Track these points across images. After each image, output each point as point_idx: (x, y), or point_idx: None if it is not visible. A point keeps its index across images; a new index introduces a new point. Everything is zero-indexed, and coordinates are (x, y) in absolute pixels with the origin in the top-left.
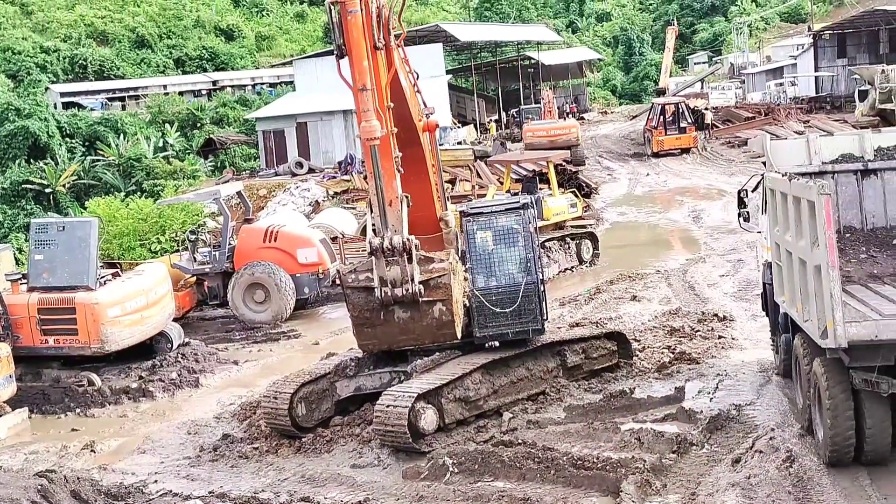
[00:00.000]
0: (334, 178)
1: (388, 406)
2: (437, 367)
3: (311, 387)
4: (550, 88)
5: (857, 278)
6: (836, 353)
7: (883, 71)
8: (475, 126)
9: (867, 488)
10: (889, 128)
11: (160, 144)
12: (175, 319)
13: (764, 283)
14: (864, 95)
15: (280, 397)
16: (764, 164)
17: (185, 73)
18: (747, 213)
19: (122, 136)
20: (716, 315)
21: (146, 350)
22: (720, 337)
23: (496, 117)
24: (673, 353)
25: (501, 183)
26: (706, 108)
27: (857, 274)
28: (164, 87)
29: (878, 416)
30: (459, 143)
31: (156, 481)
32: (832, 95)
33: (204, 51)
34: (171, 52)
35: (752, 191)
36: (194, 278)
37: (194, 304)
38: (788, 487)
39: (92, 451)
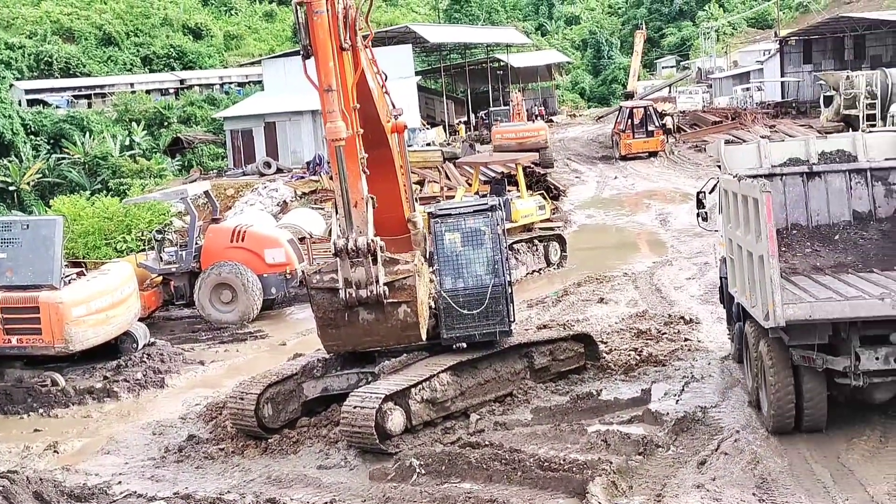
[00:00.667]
0: (302, 178)
1: (355, 407)
2: (405, 369)
3: (277, 387)
4: (519, 91)
5: (801, 270)
6: (778, 333)
7: (848, 77)
8: (444, 127)
9: (830, 490)
10: (833, 135)
11: (127, 143)
12: (141, 319)
13: (721, 277)
14: (829, 101)
15: (246, 398)
16: (719, 167)
17: (152, 71)
18: (706, 212)
19: (87, 134)
20: (682, 318)
21: (111, 350)
22: (686, 339)
23: (465, 119)
24: (639, 355)
25: (470, 184)
26: (666, 113)
27: (801, 266)
28: (131, 85)
29: (814, 389)
30: (428, 144)
31: (120, 482)
32: (798, 101)
33: (171, 49)
34: (138, 50)
35: (710, 192)
36: (160, 278)
37: (160, 303)
38: (753, 489)
39: (55, 451)
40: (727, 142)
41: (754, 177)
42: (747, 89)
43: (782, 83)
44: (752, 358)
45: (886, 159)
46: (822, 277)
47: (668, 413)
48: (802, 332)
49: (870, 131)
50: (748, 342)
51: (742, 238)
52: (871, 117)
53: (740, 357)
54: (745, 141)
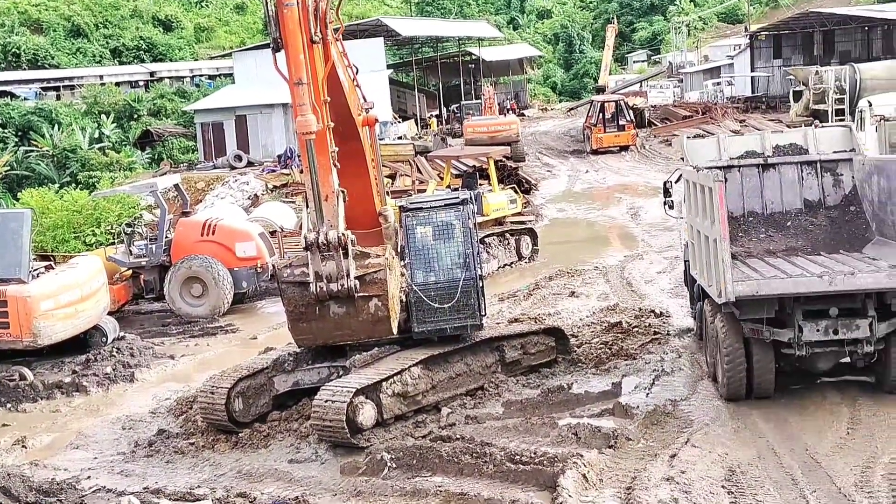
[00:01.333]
0: (274, 171)
1: (326, 401)
2: (376, 362)
3: (248, 381)
4: (491, 84)
5: (755, 253)
6: (730, 308)
7: (817, 72)
8: (416, 121)
9: (799, 482)
10: (787, 129)
11: (96, 136)
12: (110, 313)
13: (685, 261)
14: (798, 96)
15: (217, 392)
16: (682, 160)
17: (122, 63)
18: (672, 201)
19: (56, 126)
20: (653, 311)
21: (80, 344)
22: (657, 333)
23: (437, 112)
24: (610, 348)
25: (441, 178)
26: (636, 108)
27: (756, 250)
28: (101, 77)
29: (763, 359)
30: (400, 138)
31: (89, 477)
32: (768, 95)
33: (141, 41)
34: (107, 42)
35: (676, 182)
36: (130, 271)
37: (130, 297)
38: (722, 482)
39: (23, 446)
40: (690, 136)
41: (714, 168)
42: (718, 84)
43: (752, 78)
44: (710, 333)
45: (835, 152)
46: (774, 260)
47: (638, 406)
48: (751, 307)
49: (823, 126)
50: (706, 319)
51: (700, 224)
52: (839, 112)
53: (701, 335)
54: (712, 135)
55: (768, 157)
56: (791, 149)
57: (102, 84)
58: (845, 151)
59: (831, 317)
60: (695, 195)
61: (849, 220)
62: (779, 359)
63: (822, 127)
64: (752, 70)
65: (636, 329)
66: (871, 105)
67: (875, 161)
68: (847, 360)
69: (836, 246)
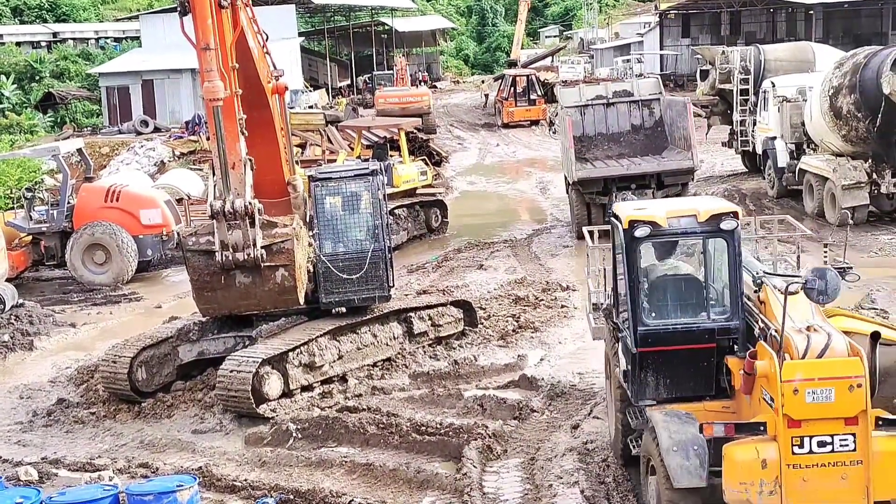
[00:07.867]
0: (181, 138)
1: (231, 371)
2: (283, 333)
3: (152, 351)
4: (404, 55)
5: (600, 157)
6: (577, 186)
7: (723, 52)
8: (327, 90)
9: None
10: (613, 80)
11: None
12: (8, 280)
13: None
14: (705, 75)
15: (119, 361)
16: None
17: (22, 22)
18: (555, 128)
19: None
20: (559, 285)
21: None
22: (563, 306)
23: (348, 82)
24: (517, 321)
25: (352, 148)
26: (544, 81)
27: (600, 156)
28: (0, 36)
29: (596, 214)
30: (311, 107)
31: None
32: (676, 73)
33: (44, 0)
34: (7, 0)
35: (556, 116)
36: (30, 237)
37: (30, 263)
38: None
39: None
40: (560, 84)
41: (577, 107)
42: (627, 61)
43: (661, 56)
44: (569, 199)
45: (650, 94)
46: (608, 161)
47: (543, 378)
48: (588, 184)
49: (641, 77)
50: (569, 194)
51: (562, 138)
52: (744, 92)
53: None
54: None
55: (609, 98)
56: (624, 93)
57: (2, 44)
58: (656, 94)
59: (632, 189)
60: (562, 123)
61: (656, 136)
62: (606, 214)
63: (642, 78)
64: (661, 48)
65: (542, 302)
66: (774, 86)
67: (669, 100)
68: None
69: (648, 151)
